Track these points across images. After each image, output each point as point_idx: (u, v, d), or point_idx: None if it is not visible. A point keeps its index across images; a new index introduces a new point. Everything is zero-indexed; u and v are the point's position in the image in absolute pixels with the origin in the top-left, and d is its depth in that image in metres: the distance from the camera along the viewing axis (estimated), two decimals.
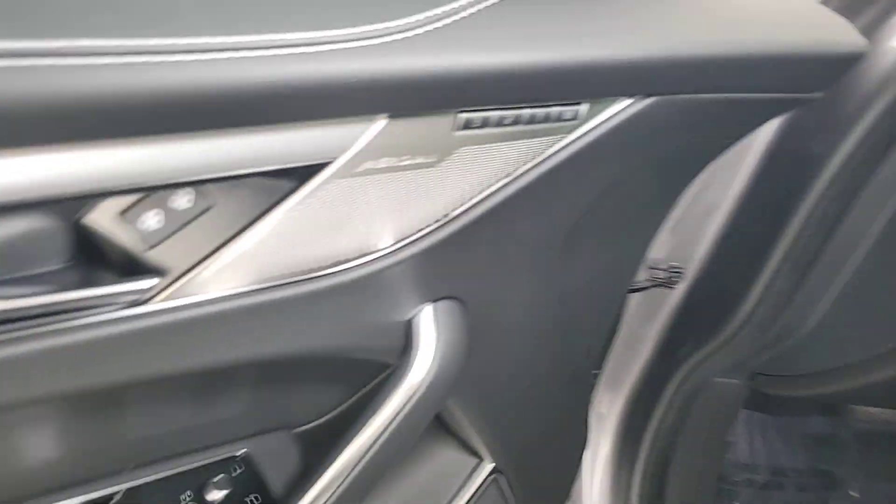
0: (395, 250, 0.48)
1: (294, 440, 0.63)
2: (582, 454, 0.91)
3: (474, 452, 0.74)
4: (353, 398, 0.68)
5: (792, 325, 0.92)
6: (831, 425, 1.26)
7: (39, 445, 0.50)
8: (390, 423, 0.54)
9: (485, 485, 0.75)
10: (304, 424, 0.65)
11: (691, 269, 0.92)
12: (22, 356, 0.38)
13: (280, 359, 0.48)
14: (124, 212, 0.39)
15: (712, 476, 1.14)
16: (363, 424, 0.54)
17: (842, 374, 1.00)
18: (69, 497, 0.52)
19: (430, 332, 0.54)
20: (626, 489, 1.08)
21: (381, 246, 0.48)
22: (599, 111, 0.50)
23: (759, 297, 0.87)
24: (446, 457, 0.75)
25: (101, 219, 0.39)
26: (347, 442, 0.54)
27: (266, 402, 0.61)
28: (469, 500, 0.74)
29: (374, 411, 0.54)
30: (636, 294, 1.00)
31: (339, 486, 0.55)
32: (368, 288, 0.49)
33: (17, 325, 0.37)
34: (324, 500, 0.54)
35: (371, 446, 0.54)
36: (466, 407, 0.67)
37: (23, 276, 0.38)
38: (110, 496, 0.53)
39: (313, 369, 0.61)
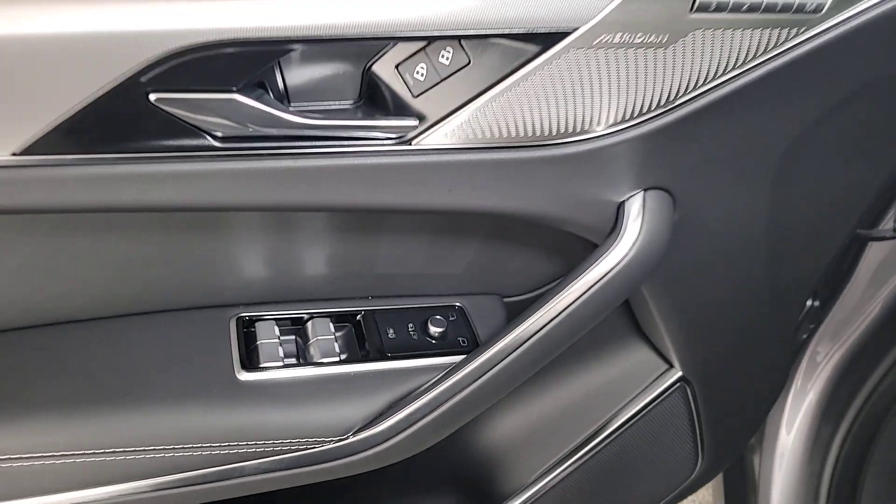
0: (616, 131, 0.53)
1: (503, 305, 0.71)
2: (780, 388, 0.88)
3: (665, 359, 0.77)
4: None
5: None
6: None
7: (309, 255, 0.64)
8: (582, 294, 0.58)
9: (670, 391, 0.77)
10: (514, 295, 0.73)
11: None
12: (313, 168, 0.49)
13: (499, 212, 0.55)
14: (399, 64, 0.48)
15: None
16: (558, 292, 0.59)
17: None
18: (320, 307, 0.65)
19: (638, 219, 0.57)
20: (827, 443, 1.03)
21: (603, 124, 0.52)
22: (846, 6, 0.49)
23: None
24: (636, 358, 0.78)
25: (383, 68, 0.48)
26: (540, 306, 0.60)
27: (484, 268, 0.70)
28: (651, 402, 0.77)
29: (570, 282, 0.59)
30: (877, 244, 0.93)
31: (522, 344, 0.60)
32: (586, 164, 0.54)
33: (314, 142, 0.48)
34: (513, 351, 0.60)
35: (561, 313, 0.59)
36: (662, 307, 0.69)
37: (325, 108, 0.50)
38: (355, 314, 0.66)
39: (528, 243, 0.68)
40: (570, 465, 0.79)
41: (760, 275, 0.70)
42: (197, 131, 0.46)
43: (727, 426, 0.84)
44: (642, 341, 0.78)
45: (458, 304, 0.70)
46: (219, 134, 0.46)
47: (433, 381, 0.61)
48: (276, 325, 0.63)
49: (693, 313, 0.71)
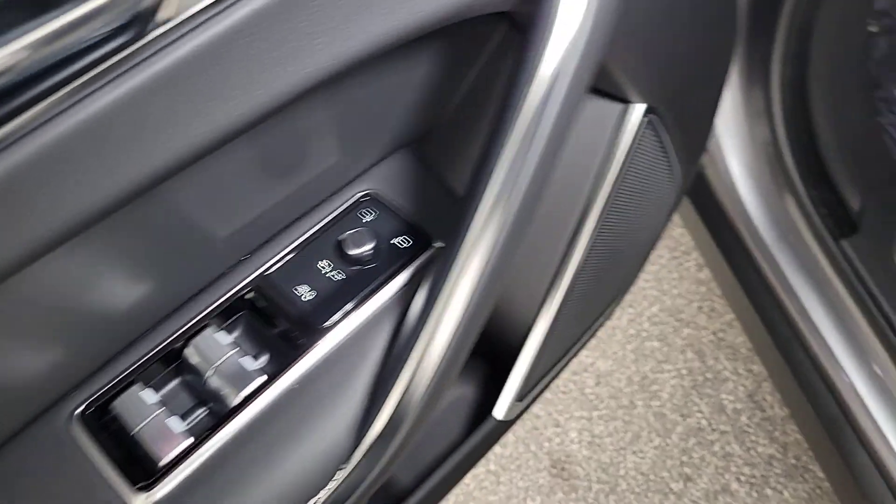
0: None
1: (414, 156, 0.49)
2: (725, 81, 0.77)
3: (619, 98, 0.59)
4: (460, 93, 0.52)
5: None
6: None
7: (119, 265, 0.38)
8: (541, 104, 0.37)
9: (642, 126, 0.62)
10: (417, 137, 0.51)
11: None
12: None
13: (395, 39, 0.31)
14: None
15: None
16: (505, 122, 0.38)
17: None
18: (182, 319, 0.41)
19: None
20: (764, 98, 0.93)
21: None
22: None
23: None
24: (594, 108, 0.61)
25: None
26: (497, 149, 0.38)
27: (367, 126, 0.46)
28: (631, 145, 0.62)
29: (512, 102, 0.37)
30: None
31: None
32: None
33: None
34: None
35: (525, 138, 0.38)
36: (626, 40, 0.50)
37: None
38: (242, 295, 0.43)
39: (415, 69, 0.45)
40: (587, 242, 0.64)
41: None
42: None
43: (689, 139, 0.73)
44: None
45: (361, 191, 0.47)
46: None
47: (411, 311, 0.41)
48: (143, 383, 0.39)
49: (651, 37, 0.53)
